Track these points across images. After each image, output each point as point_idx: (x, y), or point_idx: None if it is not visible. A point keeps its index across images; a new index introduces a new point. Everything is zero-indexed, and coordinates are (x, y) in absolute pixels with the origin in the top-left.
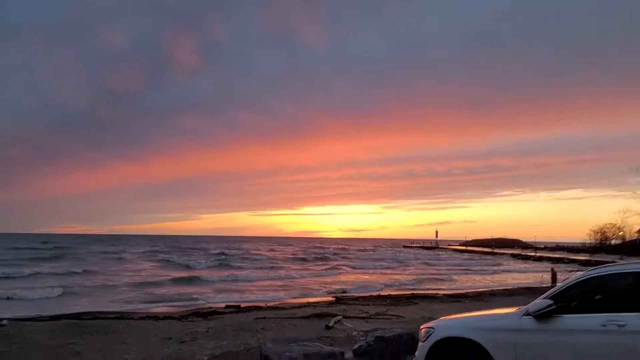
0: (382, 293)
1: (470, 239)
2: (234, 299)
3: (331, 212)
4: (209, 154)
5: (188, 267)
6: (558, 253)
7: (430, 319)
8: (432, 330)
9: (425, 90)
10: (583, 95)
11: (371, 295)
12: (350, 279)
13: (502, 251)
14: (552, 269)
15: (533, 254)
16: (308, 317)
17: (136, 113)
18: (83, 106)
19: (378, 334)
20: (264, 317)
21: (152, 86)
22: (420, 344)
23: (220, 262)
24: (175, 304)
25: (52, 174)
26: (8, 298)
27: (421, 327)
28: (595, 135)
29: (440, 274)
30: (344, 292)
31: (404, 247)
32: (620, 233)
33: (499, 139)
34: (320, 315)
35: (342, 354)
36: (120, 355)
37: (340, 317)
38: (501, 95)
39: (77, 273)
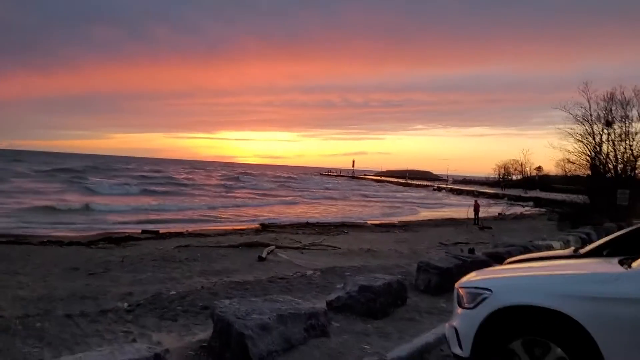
0: (310, 221)
1: (384, 170)
2: (150, 223)
3: (249, 137)
4: (121, 69)
5: (97, 189)
6: (467, 186)
7: (370, 250)
8: (486, 293)
9: (349, 15)
10: (500, 35)
11: (299, 224)
12: (284, 210)
13: (417, 182)
14: (475, 202)
15: (445, 186)
16: (237, 246)
17: (42, 17)
18: None
19: (363, 283)
20: (188, 246)
21: None
22: (462, 311)
23: (136, 184)
24: (82, 226)
25: None
26: None
27: (458, 284)
28: (506, 76)
29: (388, 207)
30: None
31: (321, 174)
32: (529, 169)
33: (417, 74)
34: (250, 245)
35: (325, 313)
36: (11, 292)
37: (273, 247)
38: (423, 29)
39: None
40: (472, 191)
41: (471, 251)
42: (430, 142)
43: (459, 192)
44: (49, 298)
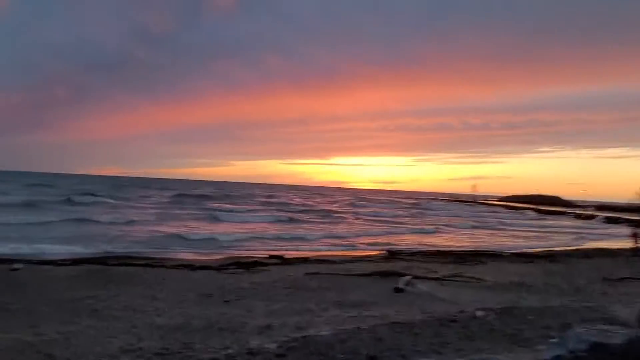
0: (441, 250)
1: (508, 195)
2: (276, 249)
3: (362, 163)
4: (239, 100)
5: (224, 215)
6: (608, 212)
7: (522, 285)
8: None
9: (466, 38)
10: (634, 49)
11: (429, 252)
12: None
13: (547, 208)
14: (634, 230)
15: (584, 212)
16: (369, 274)
17: (170, 55)
18: (118, 46)
19: (593, 338)
20: (317, 273)
21: (186, 27)
22: None
23: (260, 210)
24: (210, 250)
25: (91, 116)
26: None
27: None
28: None
29: (523, 235)
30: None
31: (440, 199)
32: None
33: (541, 92)
34: (383, 274)
35: None
36: (150, 318)
37: (409, 278)
38: (547, 47)
39: (111, 213)
40: (616, 218)
41: None
42: (557, 165)
43: (606, 220)
44: (187, 328)
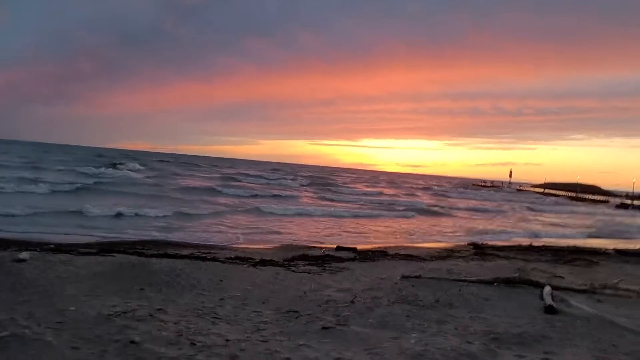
0: (533, 244)
1: (542, 182)
2: (336, 236)
3: (391, 145)
4: (270, 78)
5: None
6: None
7: None
8: None
9: (502, 17)
10: None
11: (521, 246)
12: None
13: (591, 197)
14: None
15: (630, 202)
16: (490, 282)
17: (200, 30)
18: (149, 20)
19: None
20: (419, 277)
21: (217, 1)
22: None
23: (308, 188)
24: (261, 237)
25: (120, 90)
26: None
27: None
28: None
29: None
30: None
31: (473, 184)
32: None
33: (579, 78)
34: (508, 281)
35: None
36: None
37: (549, 289)
38: (588, 28)
39: (146, 194)
40: None
41: None
42: (589, 154)
43: None
44: None
